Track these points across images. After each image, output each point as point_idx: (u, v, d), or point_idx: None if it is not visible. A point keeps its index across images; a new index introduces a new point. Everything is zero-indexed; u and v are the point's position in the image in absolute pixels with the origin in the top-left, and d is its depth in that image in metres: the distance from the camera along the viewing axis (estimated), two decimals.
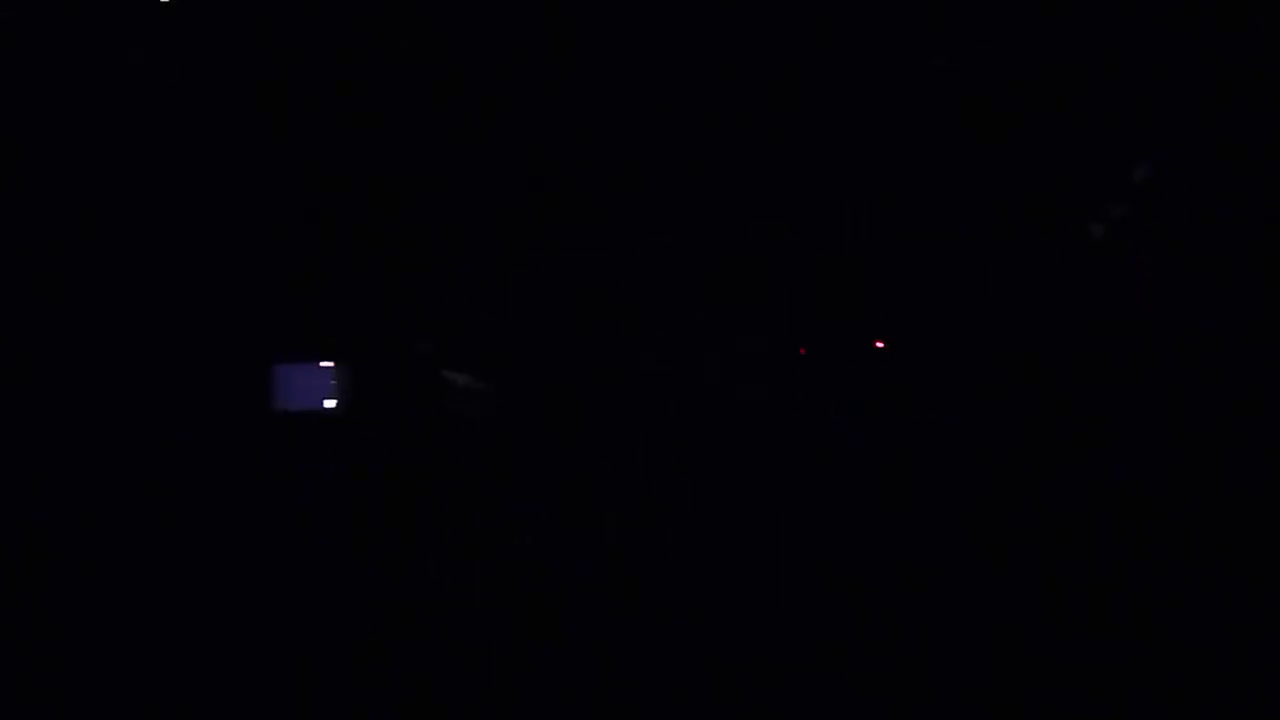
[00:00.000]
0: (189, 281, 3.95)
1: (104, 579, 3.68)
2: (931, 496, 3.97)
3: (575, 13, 3.97)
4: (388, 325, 4.20)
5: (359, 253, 4.24)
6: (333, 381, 3.82)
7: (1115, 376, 3.85)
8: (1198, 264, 3.81)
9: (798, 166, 4.29)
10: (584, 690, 3.71)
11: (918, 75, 4.08)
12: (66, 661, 3.56)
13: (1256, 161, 3.75)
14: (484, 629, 3.97)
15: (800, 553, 4.06)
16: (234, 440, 3.83)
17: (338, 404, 3.82)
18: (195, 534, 3.77)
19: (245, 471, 3.81)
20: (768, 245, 4.40)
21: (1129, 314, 3.90)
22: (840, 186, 4.31)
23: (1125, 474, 3.76)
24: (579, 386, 4.34)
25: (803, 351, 4.26)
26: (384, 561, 4.01)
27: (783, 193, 4.35)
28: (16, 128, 3.75)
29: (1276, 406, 3.64)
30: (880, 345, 4.19)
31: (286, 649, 3.72)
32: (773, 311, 4.37)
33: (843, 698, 3.57)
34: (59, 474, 3.72)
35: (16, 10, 3.68)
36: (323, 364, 3.83)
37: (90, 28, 3.76)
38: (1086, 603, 3.60)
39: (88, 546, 3.69)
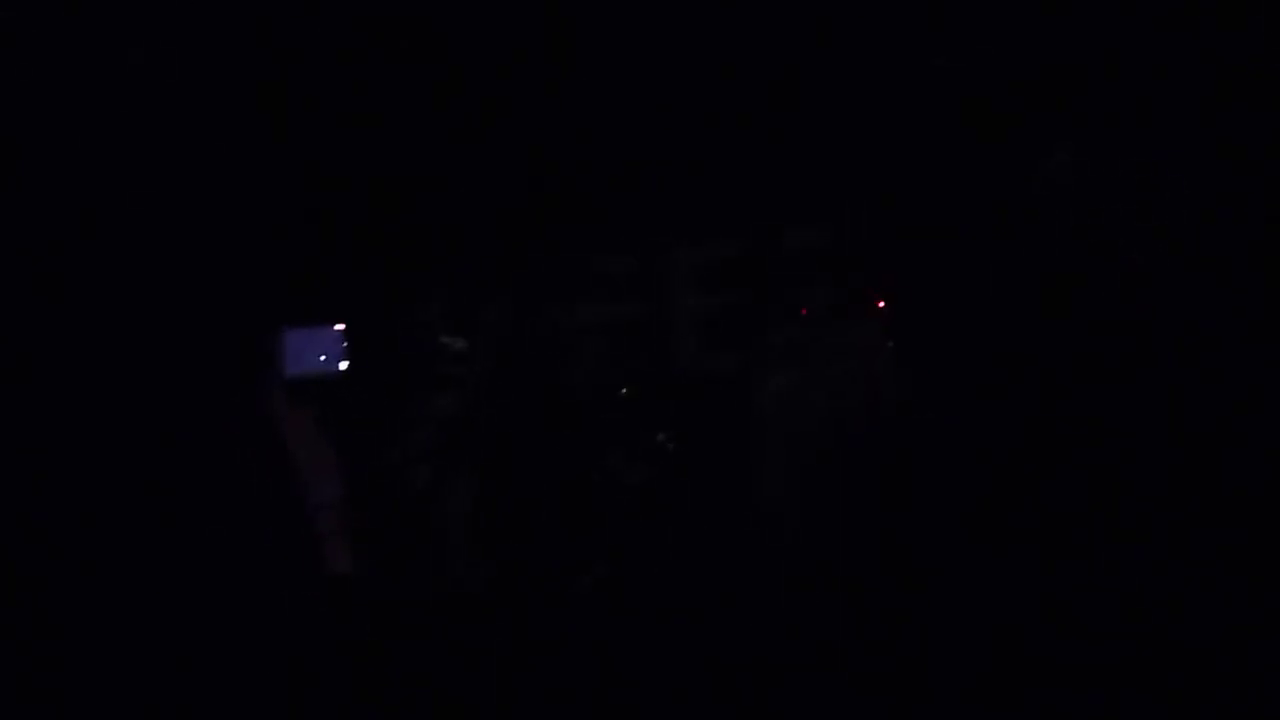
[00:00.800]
0: (188, 281, 3.95)
1: (110, 571, 3.67)
2: (931, 496, 3.97)
3: (575, 13, 3.96)
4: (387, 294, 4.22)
5: (358, 252, 4.24)
6: (344, 344, 3.83)
7: (1115, 376, 3.85)
8: (1198, 264, 3.81)
9: (798, 166, 4.28)
10: (584, 690, 3.71)
11: (918, 75, 4.08)
12: (67, 661, 3.56)
13: (1256, 161, 3.75)
14: (484, 628, 3.97)
15: (800, 552, 4.06)
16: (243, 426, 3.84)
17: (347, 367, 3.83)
18: (203, 526, 3.77)
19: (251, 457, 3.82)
20: (767, 245, 4.40)
21: (1128, 314, 3.90)
22: (840, 186, 4.31)
23: (1125, 474, 3.76)
24: (578, 388, 4.34)
25: (804, 312, 4.26)
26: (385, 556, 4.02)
27: (782, 193, 4.35)
28: (16, 128, 3.75)
29: (1277, 406, 3.64)
30: (882, 305, 4.20)
31: (285, 644, 3.72)
32: (771, 311, 4.37)
33: (843, 698, 3.57)
34: (65, 465, 3.71)
35: (16, 10, 3.68)
36: (335, 327, 3.85)
37: (90, 28, 3.75)
38: (1086, 603, 3.59)
39: (95, 539, 3.68)
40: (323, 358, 3.83)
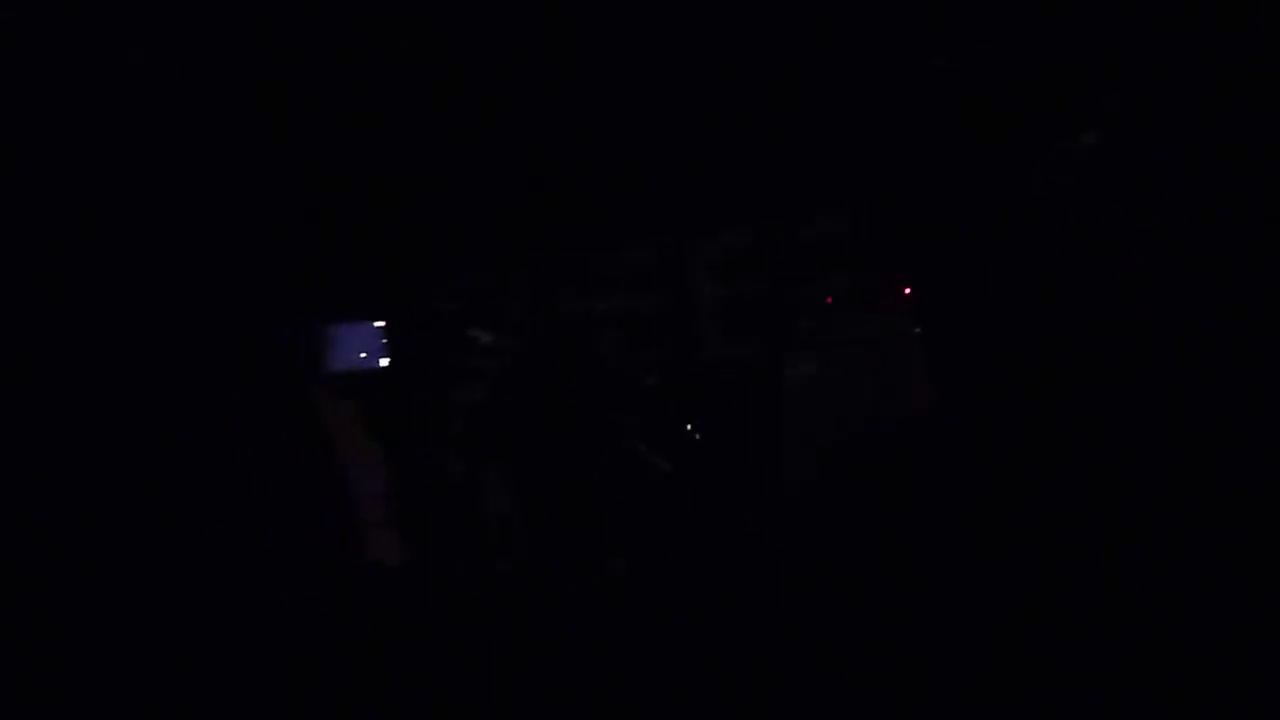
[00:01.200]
0: (189, 283, 3.95)
1: (132, 563, 3.67)
2: (931, 496, 3.97)
3: (575, 13, 3.97)
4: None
5: (357, 254, 4.25)
6: (384, 340, 3.89)
7: (1115, 376, 3.85)
8: (1198, 264, 3.81)
9: (798, 166, 4.29)
10: (584, 690, 3.71)
11: (918, 75, 4.08)
12: (67, 661, 3.56)
13: (1256, 161, 3.75)
14: (484, 628, 3.98)
15: (800, 552, 4.06)
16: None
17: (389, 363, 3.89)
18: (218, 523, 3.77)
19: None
20: (766, 246, 4.41)
21: (1129, 314, 3.90)
22: (840, 186, 4.31)
23: (1125, 474, 3.76)
24: (578, 386, 4.34)
25: (830, 300, 4.28)
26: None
27: (782, 193, 4.36)
28: (16, 128, 3.75)
29: (1277, 406, 3.64)
30: (907, 291, 4.21)
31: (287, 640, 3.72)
32: (770, 311, 4.38)
33: (843, 698, 3.57)
34: (80, 462, 3.71)
35: (16, 10, 3.68)
36: (375, 323, 3.90)
37: (90, 28, 3.75)
38: (1086, 603, 3.59)
39: (106, 535, 3.68)
40: (363, 354, 3.88)
